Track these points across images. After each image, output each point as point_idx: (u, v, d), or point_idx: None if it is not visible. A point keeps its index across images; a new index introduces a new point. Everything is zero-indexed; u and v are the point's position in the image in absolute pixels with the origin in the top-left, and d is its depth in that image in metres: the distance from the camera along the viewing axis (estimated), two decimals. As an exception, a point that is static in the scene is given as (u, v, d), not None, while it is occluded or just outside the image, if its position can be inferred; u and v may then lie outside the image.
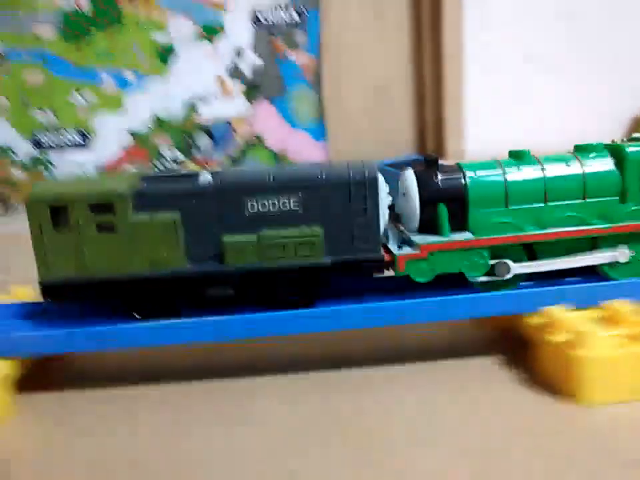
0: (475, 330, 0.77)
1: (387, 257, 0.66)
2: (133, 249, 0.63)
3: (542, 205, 0.68)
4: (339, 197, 0.64)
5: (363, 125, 1.88)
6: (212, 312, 0.66)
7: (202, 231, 0.63)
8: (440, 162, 0.69)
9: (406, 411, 0.60)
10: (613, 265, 0.69)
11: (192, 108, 1.81)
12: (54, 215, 0.62)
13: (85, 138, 1.77)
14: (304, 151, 1.85)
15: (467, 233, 0.67)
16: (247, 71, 1.83)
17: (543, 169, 0.69)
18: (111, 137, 1.78)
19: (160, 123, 1.80)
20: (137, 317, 0.65)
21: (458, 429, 0.56)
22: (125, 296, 0.65)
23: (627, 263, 0.69)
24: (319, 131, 1.90)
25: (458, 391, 0.63)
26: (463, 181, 0.68)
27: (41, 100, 1.73)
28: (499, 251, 0.67)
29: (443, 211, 0.66)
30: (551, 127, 1.82)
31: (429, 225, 0.68)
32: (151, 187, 0.63)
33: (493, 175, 0.68)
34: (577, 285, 0.68)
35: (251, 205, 0.64)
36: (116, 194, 0.62)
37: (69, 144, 1.78)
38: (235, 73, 1.82)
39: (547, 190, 0.68)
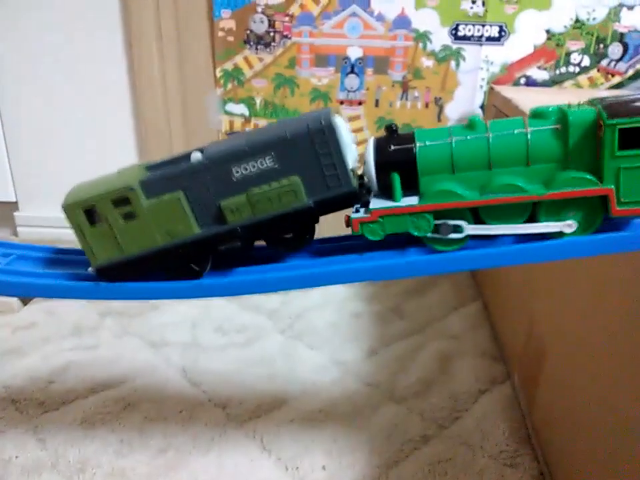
0: None
1: (345, 218, 0.76)
2: (154, 227, 0.76)
3: (486, 171, 0.70)
4: (304, 147, 0.72)
5: None
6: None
7: (203, 201, 0.75)
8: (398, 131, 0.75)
9: None
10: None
11: (614, 13, 1.70)
12: (88, 215, 0.76)
13: (501, 34, 1.73)
14: None
15: (416, 197, 0.73)
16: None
17: (488, 137, 0.70)
18: (527, 34, 1.73)
19: (577, 25, 1.72)
20: (168, 276, 0.80)
21: None
22: (157, 265, 0.79)
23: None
24: None
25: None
26: (413, 150, 0.72)
27: (475, -10, 1.66)
28: (444, 214, 0.72)
29: (395, 178, 0.72)
30: None
31: (387, 188, 0.74)
32: (154, 175, 0.75)
33: (440, 144, 0.71)
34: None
35: (236, 170, 0.73)
36: (128, 188, 0.74)
37: (485, 38, 1.74)
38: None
39: (490, 157, 0.70)
